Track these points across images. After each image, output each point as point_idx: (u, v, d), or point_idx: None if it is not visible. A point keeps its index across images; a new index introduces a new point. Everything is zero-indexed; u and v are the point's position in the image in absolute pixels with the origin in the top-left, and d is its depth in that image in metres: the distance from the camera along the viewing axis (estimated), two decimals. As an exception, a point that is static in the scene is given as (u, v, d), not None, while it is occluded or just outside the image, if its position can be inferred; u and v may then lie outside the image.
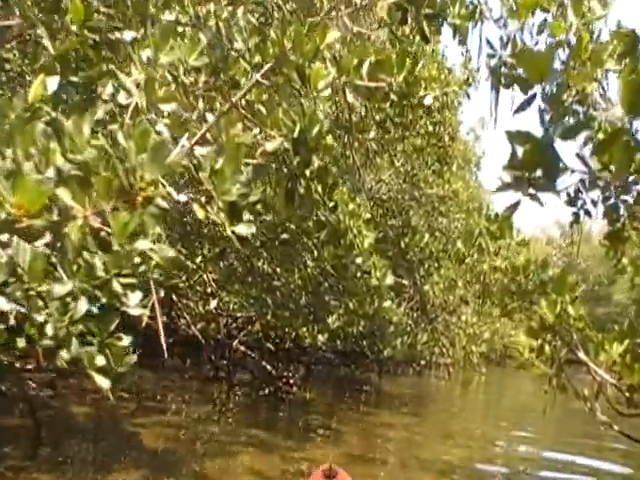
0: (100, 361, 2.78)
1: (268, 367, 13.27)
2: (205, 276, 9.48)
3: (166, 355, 6.95)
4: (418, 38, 4.14)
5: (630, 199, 3.13)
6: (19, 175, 2.24)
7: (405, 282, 12.89)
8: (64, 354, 2.84)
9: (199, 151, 3.13)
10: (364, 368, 19.21)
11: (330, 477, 5.89)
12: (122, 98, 3.34)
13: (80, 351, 2.79)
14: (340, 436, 9.75)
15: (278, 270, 8.32)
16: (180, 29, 3.33)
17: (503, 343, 28.85)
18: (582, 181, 4.02)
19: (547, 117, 2.59)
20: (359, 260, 6.43)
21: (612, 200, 3.79)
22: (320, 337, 10.88)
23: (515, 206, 2.63)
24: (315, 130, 3.32)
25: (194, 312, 11.75)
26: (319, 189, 3.94)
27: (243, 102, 3.98)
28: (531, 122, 2.48)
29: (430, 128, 9.55)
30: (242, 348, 13.05)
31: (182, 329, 12.85)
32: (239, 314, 12.01)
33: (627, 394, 4.35)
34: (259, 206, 5.57)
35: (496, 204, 21.11)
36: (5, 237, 2.28)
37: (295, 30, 3.15)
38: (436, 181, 13.11)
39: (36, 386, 7.81)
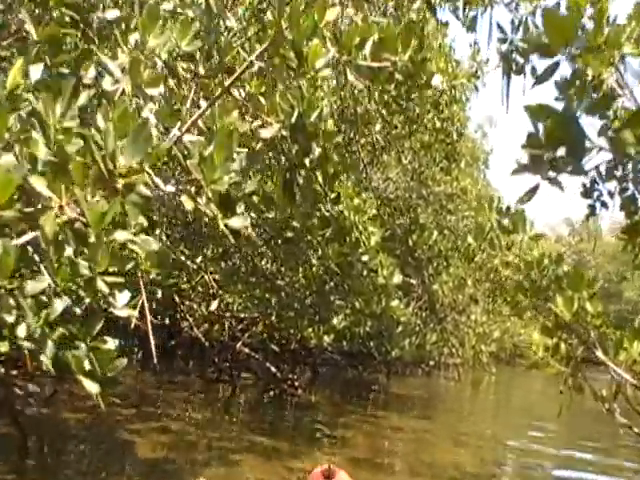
0: (87, 365, 2.61)
1: (273, 369, 13.05)
2: (207, 277, 9.28)
3: (155, 360, 6.65)
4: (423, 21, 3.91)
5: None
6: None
7: (413, 281, 12.64)
8: (43, 358, 2.66)
9: (188, 137, 2.90)
10: (371, 369, 18.91)
11: (329, 477, 5.78)
12: (107, 83, 3.12)
13: (67, 354, 2.61)
14: (347, 440, 9.50)
15: (282, 269, 8.10)
16: (168, 6, 3.09)
17: (513, 342, 28.57)
18: (598, 171, 3.77)
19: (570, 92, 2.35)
20: (365, 258, 6.23)
21: (630, 191, 3.55)
22: (326, 338, 10.65)
23: (533, 191, 2.37)
24: (314, 115, 3.08)
25: (197, 314, 11.54)
26: (320, 180, 3.70)
27: (243, 94, 3.75)
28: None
29: (438, 124, 9.33)
30: (246, 350, 12.83)
31: (185, 331, 12.66)
32: (243, 315, 11.79)
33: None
34: (262, 204, 5.34)
35: (506, 200, 20.85)
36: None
37: (292, 6, 2.91)
38: (444, 179, 12.91)
39: (24, 392, 7.50)
